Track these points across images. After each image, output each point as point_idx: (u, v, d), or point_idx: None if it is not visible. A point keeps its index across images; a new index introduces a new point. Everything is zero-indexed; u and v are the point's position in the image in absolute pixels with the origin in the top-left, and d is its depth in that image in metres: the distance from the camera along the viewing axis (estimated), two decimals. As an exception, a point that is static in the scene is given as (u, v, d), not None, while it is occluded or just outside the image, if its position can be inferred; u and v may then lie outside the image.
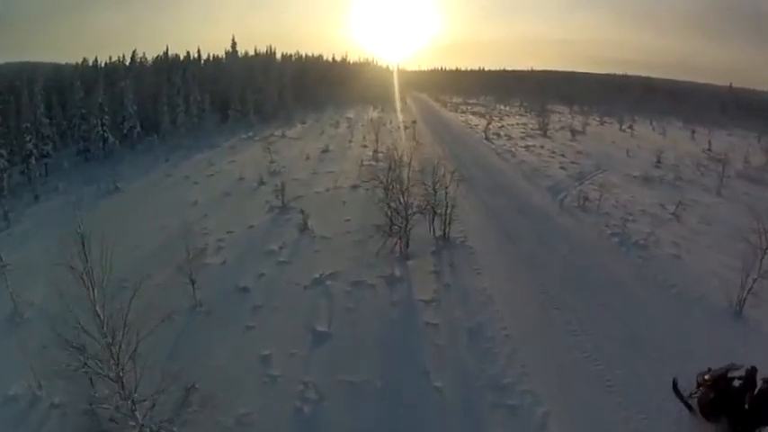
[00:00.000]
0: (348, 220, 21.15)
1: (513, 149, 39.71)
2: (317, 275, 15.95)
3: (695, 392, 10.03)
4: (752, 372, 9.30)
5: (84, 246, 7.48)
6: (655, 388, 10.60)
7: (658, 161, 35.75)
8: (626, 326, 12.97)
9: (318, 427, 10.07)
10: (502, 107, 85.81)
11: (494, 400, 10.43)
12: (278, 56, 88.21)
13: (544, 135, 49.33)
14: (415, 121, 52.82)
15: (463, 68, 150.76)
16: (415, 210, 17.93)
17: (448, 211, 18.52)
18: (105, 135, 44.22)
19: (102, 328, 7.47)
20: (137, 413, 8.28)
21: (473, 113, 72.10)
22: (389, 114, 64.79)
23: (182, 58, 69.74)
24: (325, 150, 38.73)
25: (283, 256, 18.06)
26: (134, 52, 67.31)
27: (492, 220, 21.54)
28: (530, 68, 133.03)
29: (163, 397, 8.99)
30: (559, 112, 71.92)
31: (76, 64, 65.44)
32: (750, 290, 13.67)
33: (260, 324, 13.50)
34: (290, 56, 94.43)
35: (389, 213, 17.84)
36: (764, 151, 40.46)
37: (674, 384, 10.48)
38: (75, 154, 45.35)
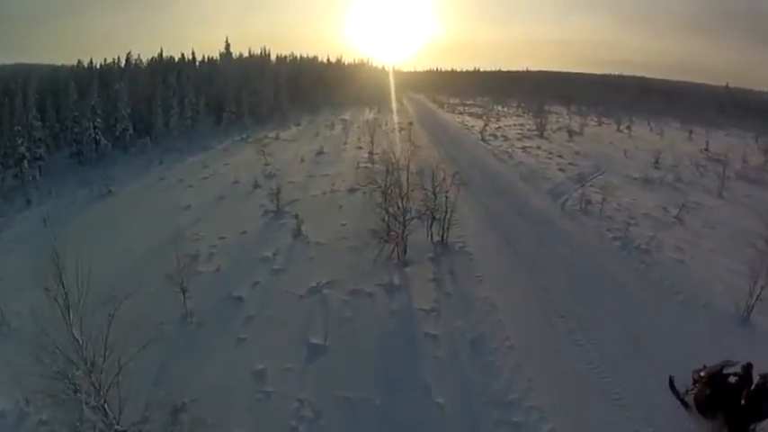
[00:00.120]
0: (344, 225, 20.65)
1: (510, 151, 39.34)
2: (313, 284, 15.42)
3: (691, 389, 10.05)
4: (748, 368, 9.31)
5: (58, 267, 6.85)
6: (662, 400, 10.24)
7: (657, 162, 35.52)
8: (631, 334, 12.52)
9: (314, 448, 9.59)
10: (499, 108, 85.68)
11: (498, 417, 9.96)
12: (273, 57, 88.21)
13: (541, 136, 49.01)
14: (411, 123, 52.54)
15: (459, 69, 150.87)
16: (413, 215, 17.45)
17: (447, 216, 18.04)
18: (98, 138, 43.73)
19: (81, 353, 6.91)
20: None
21: (470, 114, 71.81)
22: (385, 116, 64.35)
23: (176, 59, 69.21)
24: (320, 152, 38.29)
25: (278, 263, 17.52)
26: (129, 54, 66.99)
27: (491, 224, 21.07)
28: (525, 69, 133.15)
29: (151, 415, 8.57)
30: (556, 113, 71.70)
31: (72, 66, 64.99)
32: (758, 296, 13.28)
33: (253, 336, 12.97)
34: (285, 57, 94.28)
35: (387, 218, 17.37)
36: (762, 151, 40.40)
37: (671, 382, 10.53)
38: (68, 156, 44.86)
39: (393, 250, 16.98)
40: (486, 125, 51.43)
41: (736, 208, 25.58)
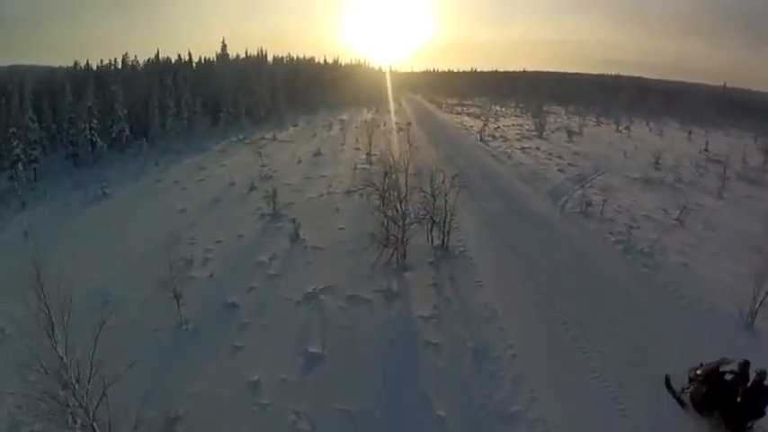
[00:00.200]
0: (342, 229, 20.30)
1: (509, 151, 39.12)
2: (310, 290, 15.04)
3: (688, 388, 10.10)
4: (744, 365, 9.36)
5: (39, 281, 6.49)
6: (669, 411, 9.99)
7: (657, 163, 35.31)
8: (636, 342, 12.23)
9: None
10: (497, 108, 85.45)
11: (501, 430, 9.64)
12: (270, 58, 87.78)
13: (540, 136, 48.84)
14: (409, 123, 52.30)
15: (456, 70, 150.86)
16: (413, 219, 17.11)
17: (447, 220, 17.71)
18: (94, 139, 43.39)
19: (68, 371, 6.55)
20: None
21: (468, 115, 71.61)
22: (383, 116, 64.06)
23: (173, 61, 68.81)
24: (318, 153, 37.93)
25: (274, 268, 17.13)
26: (125, 55, 66.63)
27: (491, 227, 20.76)
28: (522, 69, 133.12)
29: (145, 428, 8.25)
30: (555, 113, 71.56)
31: (69, 67, 64.53)
32: (761, 302, 13.07)
33: (248, 344, 12.61)
34: (282, 58, 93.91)
35: (386, 222, 17.04)
36: (762, 151, 40.35)
37: (667, 381, 10.57)
38: (64, 158, 44.50)
39: (392, 255, 16.64)
40: (484, 125, 51.14)
41: (737, 209, 25.43)
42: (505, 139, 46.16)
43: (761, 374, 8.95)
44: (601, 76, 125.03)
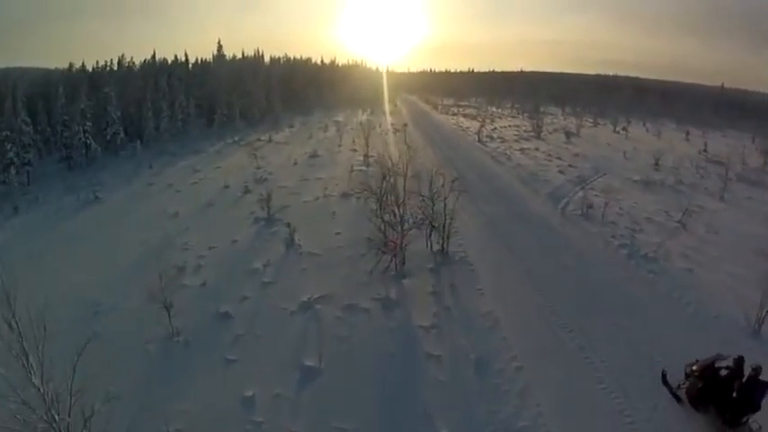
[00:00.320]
0: (338, 234, 19.82)
1: (507, 152, 38.84)
2: (305, 299, 14.52)
3: (683, 383, 10.21)
4: (739, 361, 9.48)
5: (11, 308, 5.96)
6: (676, 422, 9.68)
7: (657, 164, 34.99)
8: (643, 350, 11.86)
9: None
10: (494, 109, 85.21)
11: (507, 449, 9.23)
12: (266, 59, 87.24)
13: (538, 137, 48.60)
14: (406, 125, 51.97)
15: (453, 70, 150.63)
16: (411, 224, 16.64)
17: (447, 224, 17.25)
18: (88, 142, 42.76)
19: (44, 401, 6.04)
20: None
21: (465, 116, 71.38)
22: (379, 117, 63.75)
23: (169, 62, 68.13)
24: (314, 155, 37.52)
25: (268, 275, 16.58)
26: (120, 57, 65.89)
27: (491, 230, 20.35)
28: (519, 69, 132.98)
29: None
30: (552, 114, 71.30)
31: (64, 69, 63.84)
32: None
33: (242, 357, 12.10)
34: (279, 59, 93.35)
35: (383, 227, 16.55)
36: (761, 152, 40.04)
37: (663, 376, 10.69)
38: (58, 161, 43.86)
39: (391, 261, 16.15)
40: (482, 126, 50.88)
41: (739, 211, 25.11)
42: (503, 141, 45.88)
43: (756, 369, 9.04)
44: (598, 76, 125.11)
